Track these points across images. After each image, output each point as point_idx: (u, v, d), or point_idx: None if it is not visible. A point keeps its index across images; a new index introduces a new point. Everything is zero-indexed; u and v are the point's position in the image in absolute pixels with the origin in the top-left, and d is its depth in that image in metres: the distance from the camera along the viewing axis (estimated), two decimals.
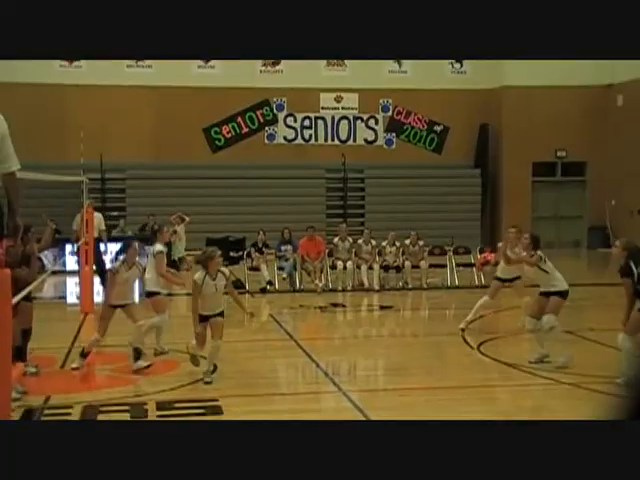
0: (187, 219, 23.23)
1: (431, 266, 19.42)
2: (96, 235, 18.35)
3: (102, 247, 19.17)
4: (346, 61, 28.03)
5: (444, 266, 19.77)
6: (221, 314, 10.68)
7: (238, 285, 19.68)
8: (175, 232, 20.73)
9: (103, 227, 19.18)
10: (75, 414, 9.31)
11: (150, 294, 12.05)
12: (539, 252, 11.24)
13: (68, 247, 22.54)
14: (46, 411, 9.45)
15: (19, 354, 9.76)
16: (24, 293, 7.62)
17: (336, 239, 19.54)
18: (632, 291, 9.76)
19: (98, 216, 18.88)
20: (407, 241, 19.44)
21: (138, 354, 11.21)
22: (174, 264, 23.40)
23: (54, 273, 22.03)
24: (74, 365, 11.33)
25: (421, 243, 14.15)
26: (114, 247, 22.56)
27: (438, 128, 28.90)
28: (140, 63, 27.03)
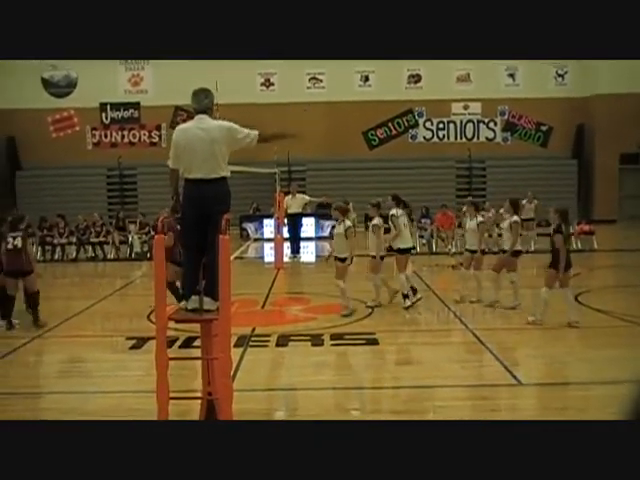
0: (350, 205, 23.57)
1: (539, 235, 18.94)
2: (300, 211, 19.07)
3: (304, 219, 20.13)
4: (471, 77, 27.59)
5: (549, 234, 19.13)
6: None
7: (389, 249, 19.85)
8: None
9: (307, 199, 19.81)
10: (272, 340, 9.76)
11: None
12: None
13: (265, 221, 23.23)
14: (253, 338, 9.92)
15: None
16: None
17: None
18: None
19: (300, 196, 19.42)
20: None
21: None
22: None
23: (255, 240, 22.88)
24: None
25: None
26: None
27: (544, 128, 28.00)
28: (316, 85, 27.52)
